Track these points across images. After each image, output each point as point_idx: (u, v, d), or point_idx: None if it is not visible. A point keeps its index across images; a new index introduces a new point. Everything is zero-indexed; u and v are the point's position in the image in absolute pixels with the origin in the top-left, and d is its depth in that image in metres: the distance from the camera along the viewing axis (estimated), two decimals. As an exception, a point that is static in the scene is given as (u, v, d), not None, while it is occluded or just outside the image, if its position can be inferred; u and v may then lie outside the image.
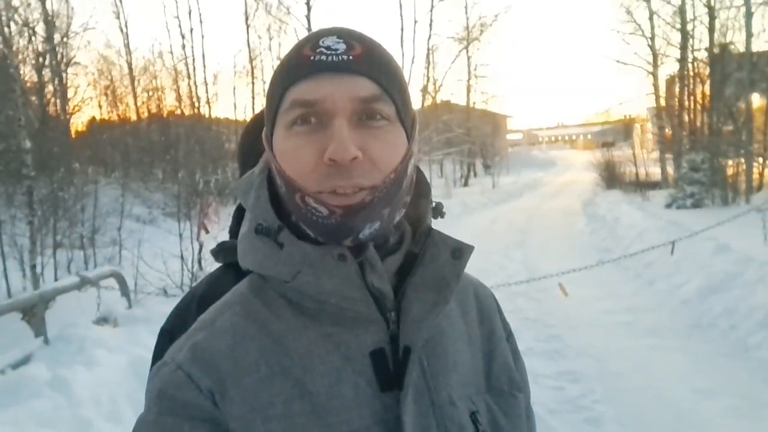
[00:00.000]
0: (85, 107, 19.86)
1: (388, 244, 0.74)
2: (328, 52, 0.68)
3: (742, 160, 14.65)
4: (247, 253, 0.74)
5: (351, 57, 0.68)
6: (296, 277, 0.69)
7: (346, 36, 0.70)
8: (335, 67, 0.67)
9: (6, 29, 11.45)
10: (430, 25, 18.53)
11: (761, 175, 15.06)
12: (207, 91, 19.70)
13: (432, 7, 18.34)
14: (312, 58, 0.68)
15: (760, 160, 14.98)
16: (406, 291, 0.72)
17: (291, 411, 0.65)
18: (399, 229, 0.77)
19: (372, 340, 0.70)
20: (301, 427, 0.65)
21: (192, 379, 0.66)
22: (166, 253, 7.82)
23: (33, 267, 7.56)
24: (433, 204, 0.82)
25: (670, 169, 18.78)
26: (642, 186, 18.99)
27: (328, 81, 0.67)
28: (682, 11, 18.00)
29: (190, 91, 19.05)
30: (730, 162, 14.89)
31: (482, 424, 0.72)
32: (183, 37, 18.59)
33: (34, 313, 5.08)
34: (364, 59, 0.69)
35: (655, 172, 20.95)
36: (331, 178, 0.66)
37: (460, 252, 0.76)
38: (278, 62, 0.76)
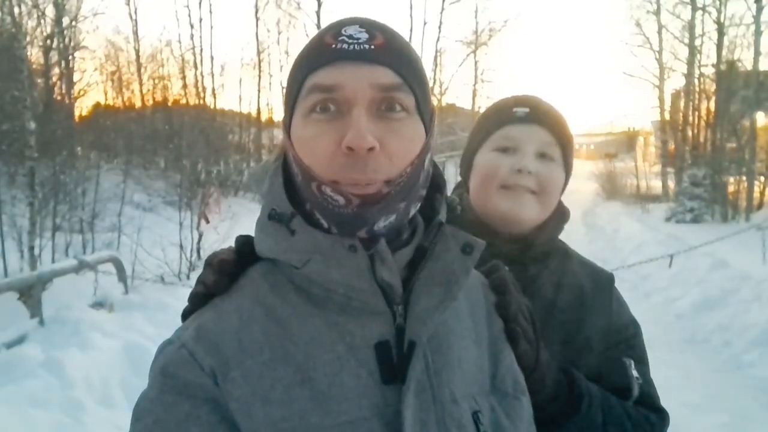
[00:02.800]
0: (91, 92, 19.83)
1: (401, 238, 0.74)
2: (350, 40, 0.68)
3: (744, 177, 14.66)
4: (260, 239, 0.75)
5: (372, 46, 0.68)
6: (306, 265, 0.69)
7: (369, 26, 0.70)
8: (356, 56, 0.68)
9: (16, 9, 11.45)
10: (440, 27, 18.49)
11: (762, 193, 15.07)
12: (213, 82, 19.66)
13: (442, 9, 18.31)
14: (333, 46, 0.68)
15: (762, 178, 14.98)
16: (415, 285, 0.72)
17: (291, 396, 0.65)
18: (412, 223, 0.77)
19: (378, 332, 0.69)
20: (299, 413, 0.65)
21: (195, 358, 0.67)
22: (165, 241, 7.83)
23: (31, 248, 7.56)
24: (448, 199, 0.82)
25: (671, 183, 18.78)
26: (642, 198, 18.98)
27: (349, 69, 0.68)
28: (691, 26, 18.00)
29: (197, 81, 19.02)
30: (732, 179, 14.90)
31: (484, 425, 0.71)
32: (192, 26, 18.54)
33: (30, 293, 5.08)
34: (385, 49, 0.69)
35: (656, 186, 20.95)
36: (348, 169, 0.67)
37: (470, 248, 0.76)
38: (287, 56, 0.76)
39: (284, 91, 0.77)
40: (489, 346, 0.80)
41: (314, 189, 0.69)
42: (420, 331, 0.69)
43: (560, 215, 1.18)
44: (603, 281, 1.17)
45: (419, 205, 0.75)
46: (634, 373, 1.08)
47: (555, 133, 1.12)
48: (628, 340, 1.13)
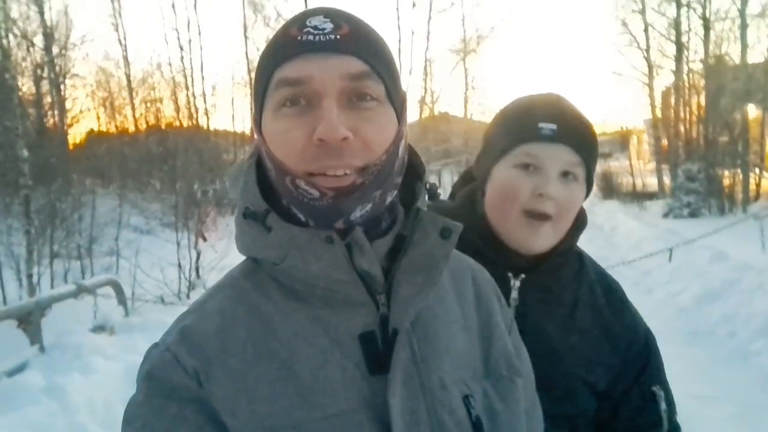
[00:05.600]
0: (83, 119, 19.87)
1: (380, 227, 0.74)
2: (315, 31, 0.67)
3: (739, 170, 14.68)
4: (238, 238, 0.75)
5: (338, 36, 0.68)
6: (284, 260, 0.69)
7: (334, 15, 0.69)
8: (322, 47, 0.67)
9: (4, 41, 11.50)
10: (428, 36, 18.62)
11: (758, 185, 15.08)
12: (205, 102, 19.72)
13: (429, 18, 18.45)
14: (299, 38, 0.68)
15: (757, 170, 15.00)
16: (396, 273, 0.72)
17: (276, 393, 0.65)
18: (392, 212, 0.76)
19: (361, 323, 0.69)
20: (285, 408, 0.65)
21: (178, 360, 0.67)
22: (163, 261, 7.80)
23: (29, 276, 7.54)
24: (427, 186, 0.81)
25: (667, 180, 18.81)
26: (639, 196, 19.00)
27: (316, 60, 0.67)
28: (677, 23, 18.08)
29: (189, 103, 19.08)
30: (727, 172, 14.92)
31: (475, 408, 0.71)
32: (181, 48, 18.60)
33: (30, 320, 5.05)
34: (351, 38, 0.68)
35: (652, 183, 20.98)
36: (321, 158, 0.66)
37: (448, 232, 0.75)
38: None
39: (252, 86, 0.76)
40: (479, 330, 0.80)
41: (288, 183, 0.68)
42: (402, 318, 0.69)
43: (577, 225, 1.13)
44: (616, 291, 1.17)
45: (395, 192, 0.75)
46: (664, 405, 1.08)
47: (581, 152, 1.06)
48: (649, 356, 1.12)
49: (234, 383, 0.65)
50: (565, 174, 1.06)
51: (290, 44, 0.68)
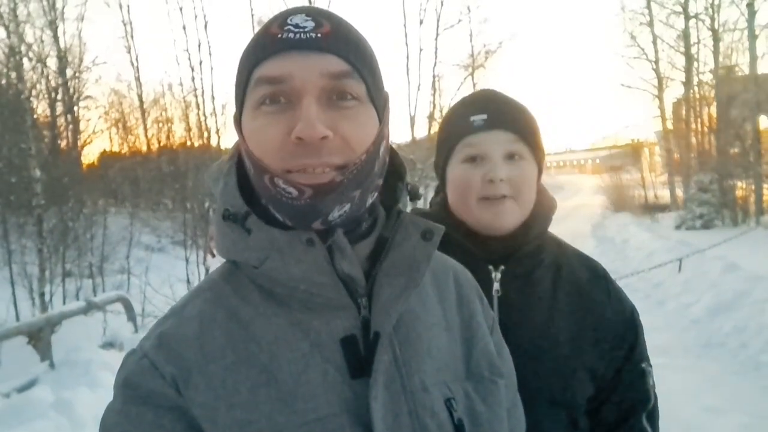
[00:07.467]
0: (96, 139, 20.18)
1: (360, 229, 0.73)
2: (296, 29, 0.67)
3: (751, 180, 14.57)
4: (217, 241, 0.73)
5: (319, 35, 0.67)
6: (264, 263, 0.68)
7: (315, 14, 0.69)
8: (303, 45, 0.66)
9: (15, 58, 11.71)
10: (436, 53, 18.65)
11: (771, 196, 14.93)
12: (216, 122, 19.87)
13: (437, 35, 18.47)
14: (279, 36, 0.67)
15: (769, 181, 14.86)
16: (378, 276, 0.71)
17: (256, 398, 0.64)
18: (373, 214, 0.75)
19: (343, 327, 0.68)
20: (266, 414, 0.63)
21: (156, 367, 0.65)
22: (173, 278, 7.86)
23: (42, 295, 7.62)
24: (408, 187, 0.80)
25: (679, 192, 18.69)
26: (651, 208, 18.89)
27: (296, 58, 0.66)
28: (686, 35, 18.07)
29: (200, 122, 19.26)
30: (740, 183, 14.80)
31: (457, 411, 0.70)
32: (192, 69, 18.79)
33: (40, 337, 5.10)
34: (332, 37, 0.67)
35: (664, 195, 20.85)
36: (299, 156, 0.65)
37: (430, 234, 0.75)
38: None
39: (234, 84, 0.75)
40: (461, 331, 0.79)
41: (267, 182, 0.67)
42: (384, 322, 0.68)
43: (547, 207, 1.17)
44: (598, 271, 1.18)
45: (376, 194, 0.74)
46: (651, 381, 1.10)
47: (518, 131, 1.11)
48: (637, 333, 1.14)
49: (214, 389, 0.64)
50: (509, 156, 1.11)
51: (270, 42, 0.67)
